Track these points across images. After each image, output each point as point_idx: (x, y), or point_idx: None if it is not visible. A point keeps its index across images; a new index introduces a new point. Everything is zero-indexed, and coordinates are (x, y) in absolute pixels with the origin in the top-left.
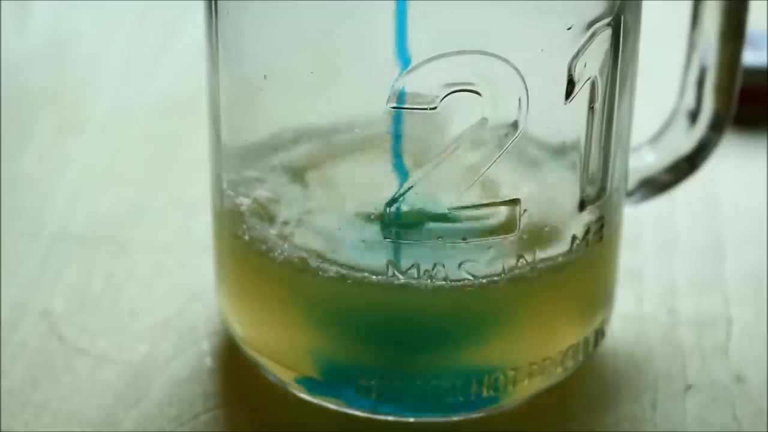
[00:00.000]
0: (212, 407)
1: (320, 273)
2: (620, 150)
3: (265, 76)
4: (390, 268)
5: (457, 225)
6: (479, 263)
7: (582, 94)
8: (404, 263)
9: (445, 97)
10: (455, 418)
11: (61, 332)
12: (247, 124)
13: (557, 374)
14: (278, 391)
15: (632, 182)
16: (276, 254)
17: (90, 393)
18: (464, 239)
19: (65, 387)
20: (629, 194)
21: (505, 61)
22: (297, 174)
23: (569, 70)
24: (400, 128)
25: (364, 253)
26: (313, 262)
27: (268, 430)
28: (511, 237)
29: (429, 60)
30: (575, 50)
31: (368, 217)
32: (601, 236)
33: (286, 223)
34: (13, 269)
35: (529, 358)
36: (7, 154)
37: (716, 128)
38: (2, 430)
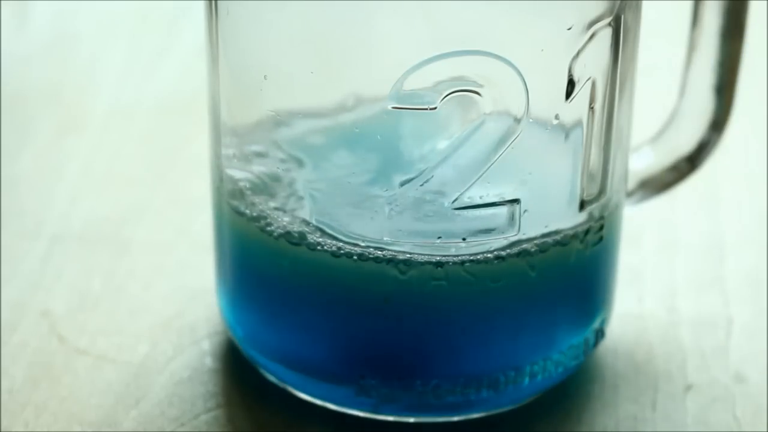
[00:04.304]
0: (213, 407)
1: (318, 248)
2: (620, 150)
3: (265, 76)
4: (390, 268)
5: (457, 225)
6: (479, 262)
7: (582, 94)
8: (404, 263)
9: (445, 97)
10: (455, 418)
11: (61, 332)
12: (247, 123)
13: (557, 374)
14: (278, 391)
15: (632, 182)
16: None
17: (90, 393)
18: (464, 239)
19: (65, 387)
20: (629, 194)
21: (505, 61)
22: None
23: (569, 70)
24: (400, 128)
25: (363, 254)
26: (311, 237)
27: (268, 430)
28: (511, 237)
29: (429, 60)
30: (575, 50)
31: (369, 218)
32: (601, 236)
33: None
34: (13, 269)
35: (529, 358)
36: (7, 154)
37: (716, 128)
38: (2, 430)
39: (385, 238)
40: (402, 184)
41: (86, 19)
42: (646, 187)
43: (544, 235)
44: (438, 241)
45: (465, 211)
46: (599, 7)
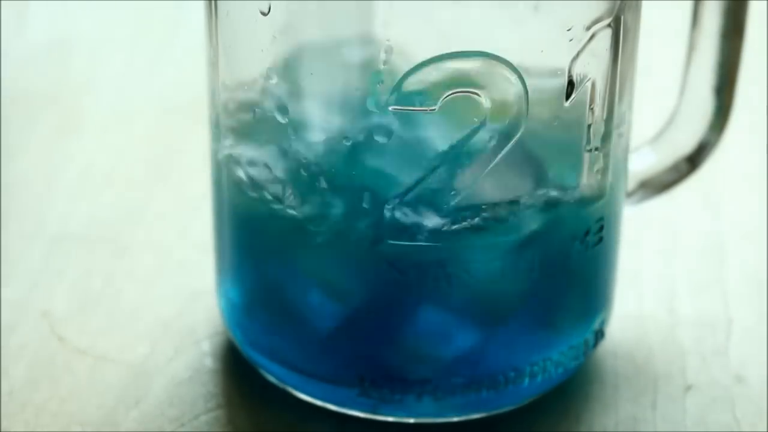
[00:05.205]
0: (213, 408)
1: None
2: (620, 150)
3: (264, 77)
4: (390, 268)
5: (457, 226)
6: (479, 263)
7: (582, 94)
8: (403, 264)
9: (445, 98)
10: (455, 419)
11: (61, 332)
12: (246, 123)
13: (557, 375)
14: (278, 391)
15: (632, 182)
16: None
17: (90, 393)
18: (464, 240)
19: (65, 387)
20: (629, 195)
21: (505, 61)
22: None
23: (569, 70)
24: (400, 129)
25: (364, 252)
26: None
27: (268, 430)
28: (511, 238)
29: (429, 61)
30: (575, 51)
31: (368, 218)
32: (600, 237)
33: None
34: (13, 269)
35: (529, 358)
36: (7, 154)
37: (716, 128)
38: (2, 430)
39: (384, 238)
40: (402, 184)
41: (86, 20)
42: (646, 187)
43: (544, 236)
44: (438, 241)
45: (465, 212)
46: (599, 8)
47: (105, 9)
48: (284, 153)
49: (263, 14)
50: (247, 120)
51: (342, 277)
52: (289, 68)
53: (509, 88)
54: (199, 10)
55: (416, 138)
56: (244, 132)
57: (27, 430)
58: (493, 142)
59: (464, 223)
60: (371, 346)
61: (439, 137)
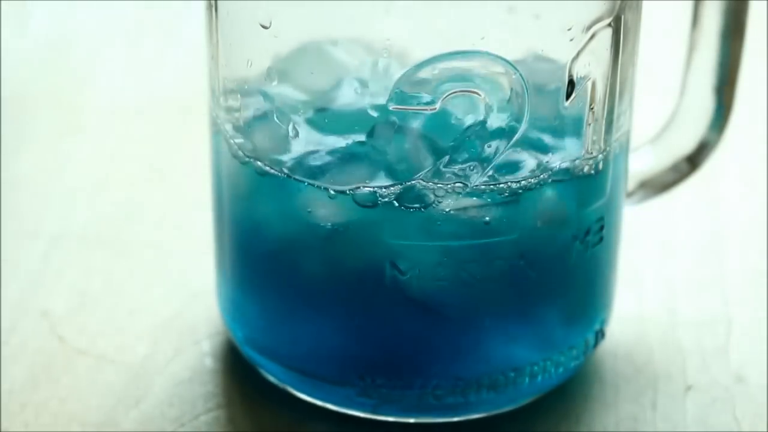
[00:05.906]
0: (213, 408)
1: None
2: (620, 150)
3: (265, 77)
4: (391, 268)
5: (457, 226)
6: (480, 264)
7: (582, 94)
8: (404, 264)
9: (445, 97)
10: (455, 419)
11: (61, 332)
12: (246, 123)
13: (557, 375)
14: (278, 391)
15: (632, 182)
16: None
17: (90, 393)
18: (464, 240)
19: (65, 387)
20: (629, 194)
21: (505, 61)
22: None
23: (569, 70)
24: (400, 129)
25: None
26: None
27: (268, 430)
28: (511, 237)
29: (429, 60)
30: (575, 51)
31: (369, 218)
32: (601, 237)
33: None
34: (13, 269)
35: (529, 358)
36: (7, 154)
37: (716, 128)
38: (2, 430)
39: (385, 238)
40: (402, 185)
41: (86, 19)
42: (646, 187)
43: (543, 236)
44: (438, 243)
45: (465, 213)
46: (599, 8)
47: (105, 9)
48: (284, 151)
49: (264, 28)
50: (247, 119)
51: (343, 277)
52: (289, 67)
53: (509, 87)
54: (199, 9)
55: (416, 138)
56: (245, 131)
57: (27, 430)
58: (492, 143)
59: (464, 224)
60: (371, 346)
61: (438, 137)
